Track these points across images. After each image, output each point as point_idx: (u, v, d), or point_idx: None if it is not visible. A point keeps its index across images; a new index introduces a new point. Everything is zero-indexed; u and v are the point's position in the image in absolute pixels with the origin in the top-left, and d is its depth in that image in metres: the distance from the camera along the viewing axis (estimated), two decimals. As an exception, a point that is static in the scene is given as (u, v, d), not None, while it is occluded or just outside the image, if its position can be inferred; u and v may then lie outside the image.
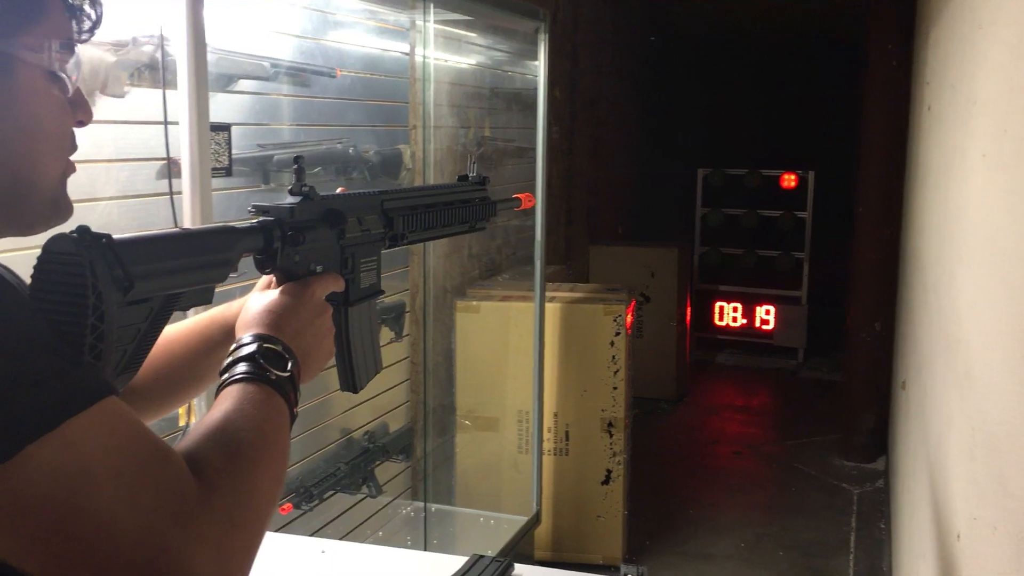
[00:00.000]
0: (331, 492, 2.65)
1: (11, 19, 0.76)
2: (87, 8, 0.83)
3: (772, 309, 6.71)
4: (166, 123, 1.71)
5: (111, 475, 0.64)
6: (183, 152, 1.60)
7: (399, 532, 3.14)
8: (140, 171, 1.95)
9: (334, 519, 2.76)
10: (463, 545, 3.30)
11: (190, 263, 0.84)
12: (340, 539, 2.59)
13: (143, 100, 1.89)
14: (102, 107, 1.81)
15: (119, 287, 0.75)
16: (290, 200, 0.98)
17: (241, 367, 0.85)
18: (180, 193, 1.63)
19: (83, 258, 0.72)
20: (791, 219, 6.76)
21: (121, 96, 1.84)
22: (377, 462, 2.89)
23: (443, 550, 2.82)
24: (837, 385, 5.72)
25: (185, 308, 0.87)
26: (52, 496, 0.62)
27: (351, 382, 1.09)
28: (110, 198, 1.88)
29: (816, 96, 7.03)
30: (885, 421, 4.75)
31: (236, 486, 0.74)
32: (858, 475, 4.71)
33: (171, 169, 1.86)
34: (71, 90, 0.82)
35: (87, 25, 0.83)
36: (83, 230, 0.74)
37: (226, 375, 0.85)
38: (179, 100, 1.59)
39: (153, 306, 0.80)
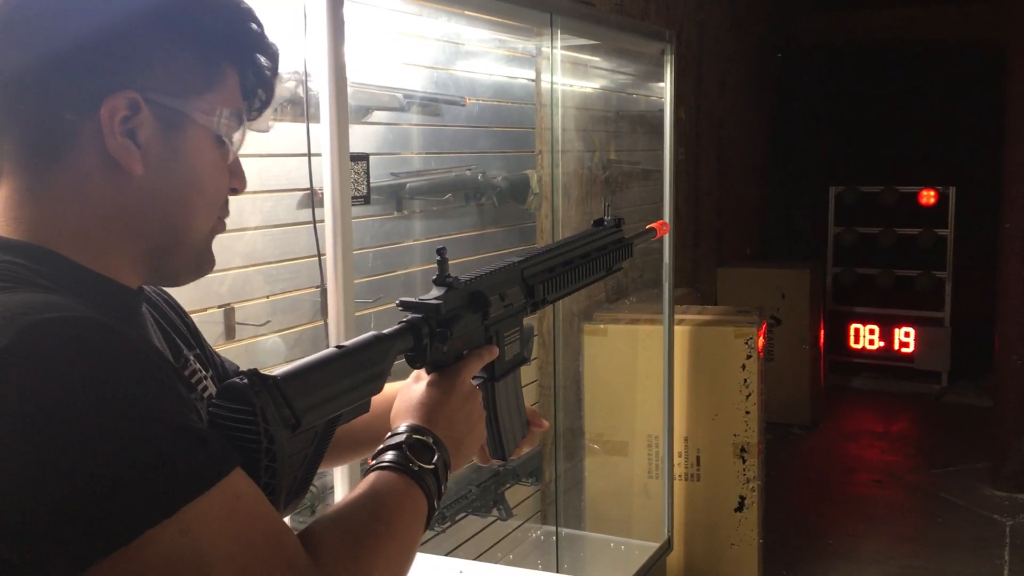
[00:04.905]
0: (462, 514, 2.67)
1: (190, 82, 0.82)
2: (260, 92, 0.89)
3: (912, 331, 6.43)
4: (309, 155, 1.79)
5: (225, 560, 0.66)
6: (325, 182, 1.66)
7: (529, 555, 3.14)
8: (282, 201, 2.04)
9: (466, 541, 2.78)
10: (594, 571, 3.27)
11: (349, 384, 0.86)
12: (475, 559, 2.62)
13: (285, 133, 1.97)
14: (248, 142, 1.90)
15: (287, 425, 0.77)
16: (435, 292, 0.99)
17: (388, 456, 0.88)
18: (322, 222, 1.69)
19: (255, 407, 0.74)
20: (931, 237, 6.47)
21: (266, 131, 1.92)
22: (507, 485, 2.90)
23: (575, 575, 2.80)
24: (985, 411, 5.41)
25: (345, 423, 0.88)
26: None
27: (500, 451, 1.10)
28: (255, 228, 1.97)
29: (954, 108, 6.73)
30: (1040, 449, 4.46)
31: (352, 572, 0.75)
32: (1010, 506, 4.44)
33: (314, 199, 1.93)
34: (231, 158, 0.88)
35: (257, 104, 0.89)
36: (252, 375, 0.76)
37: (374, 461, 0.88)
38: (321, 132, 1.66)
39: (317, 430, 0.82)
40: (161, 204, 0.82)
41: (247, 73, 0.87)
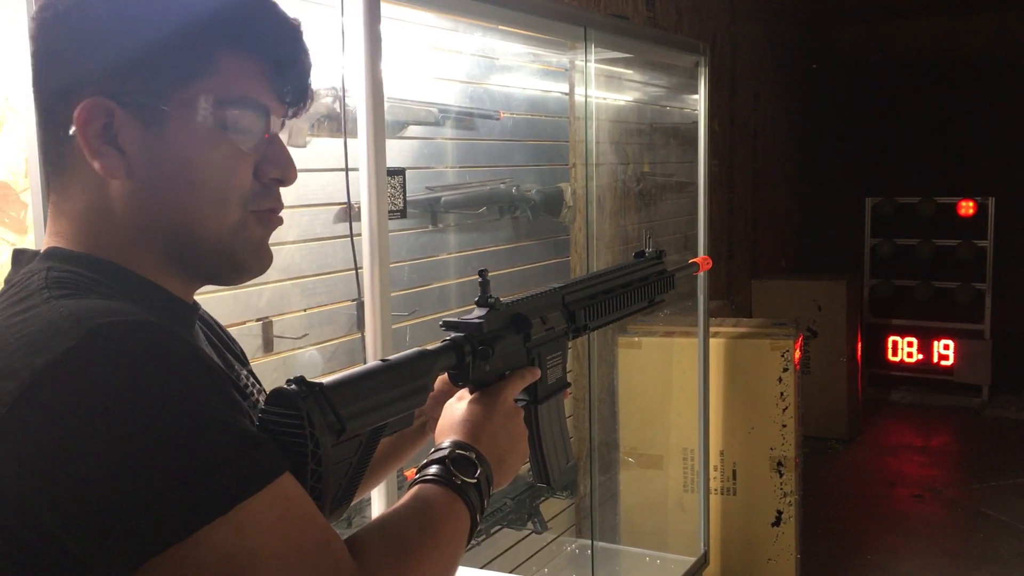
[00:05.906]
0: (497, 527, 2.67)
1: (165, 74, 0.78)
2: (281, 60, 0.83)
3: (951, 344, 6.33)
4: (347, 169, 1.80)
5: (275, 560, 0.67)
6: (362, 196, 1.67)
7: (564, 569, 3.13)
8: (319, 216, 2.06)
9: (501, 554, 2.78)
10: (629, 585, 3.25)
11: (393, 395, 0.87)
12: (510, 572, 2.62)
13: (322, 148, 2.00)
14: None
15: (332, 431, 0.78)
16: (477, 313, 1.01)
17: (432, 469, 0.89)
18: (359, 235, 1.71)
19: (302, 411, 0.76)
20: (970, 248, 6.38)
21: (303, 146, 1.96)
22: (542, 498, 2.90)
23: (610, 589, 2.78)
24: (1028, 425, 5.33)
25: (390, 435, 0.90)
26: None
27: (544, 476, 1.11)
28: (292, 242, 2.00)
29: (992, 118, 6.64)
30: (1085, 464, 4.37)
31: None
32: (1056, 522, 4.36)
33: (351, 213, 1.95)
34: (250, 145, 0.82)
35: (288, 93, 0.84)
36: (300, 382, 0.78)
37: (418, 475, 0.90)
38: (358, 147, 1.67)
39: (362, 440, 0.83)
40: (158, 203, 0.79)
41: (251, 48, 0.81)
